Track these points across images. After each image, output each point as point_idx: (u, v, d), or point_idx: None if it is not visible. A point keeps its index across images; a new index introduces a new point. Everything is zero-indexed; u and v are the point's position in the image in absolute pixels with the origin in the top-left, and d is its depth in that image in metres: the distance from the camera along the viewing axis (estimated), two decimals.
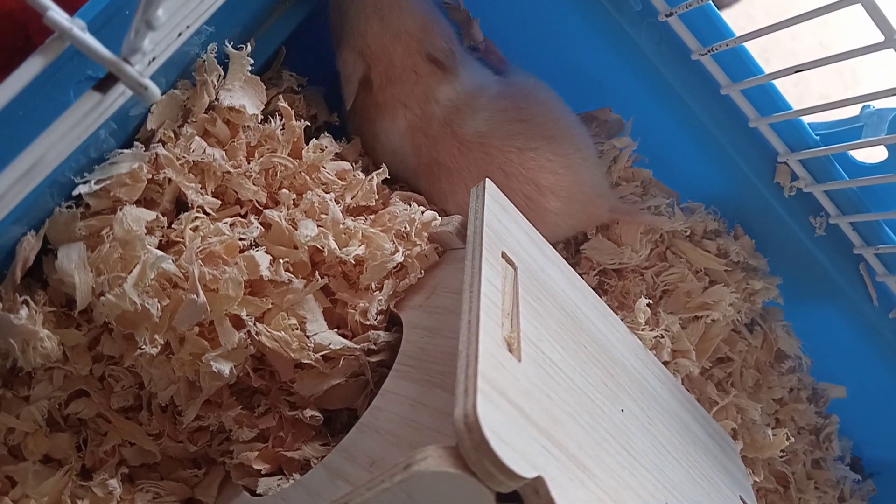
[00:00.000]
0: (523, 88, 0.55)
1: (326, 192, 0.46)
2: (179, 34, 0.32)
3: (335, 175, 0.47)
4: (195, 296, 0.37)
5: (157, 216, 0.40)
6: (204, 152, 0.42)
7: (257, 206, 0.44)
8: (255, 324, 0.40)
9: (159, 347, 0.38)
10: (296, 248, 0.43)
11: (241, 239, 0.41)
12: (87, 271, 0.37)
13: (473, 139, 0.52)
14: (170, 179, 0.41)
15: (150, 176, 0.40)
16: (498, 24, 0.54)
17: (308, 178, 0.46)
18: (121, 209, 0.38)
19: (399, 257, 0.44)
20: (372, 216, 0.47)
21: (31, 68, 0.27)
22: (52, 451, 0.41)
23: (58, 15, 0.26)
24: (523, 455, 0.26)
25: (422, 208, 0.47)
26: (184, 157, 0.41)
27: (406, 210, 0.46)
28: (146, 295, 0.37)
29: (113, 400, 0.42)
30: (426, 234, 0.46)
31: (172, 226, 0.41)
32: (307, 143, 0.47)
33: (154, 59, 0.32)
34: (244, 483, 0.42)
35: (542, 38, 0.56)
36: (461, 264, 0.37)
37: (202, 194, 0.42)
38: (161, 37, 0.29)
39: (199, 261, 0.39)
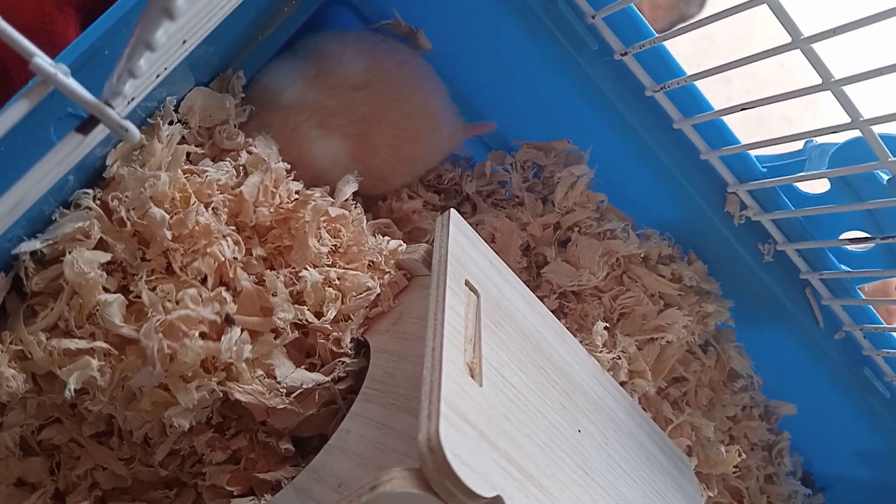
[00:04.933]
0: None
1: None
2: (157, 76, 0.34)
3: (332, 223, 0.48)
4: (151, 368, 0.38)
5: (110, 258, 0.40)
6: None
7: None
8: (218, 385, 0.40)
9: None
10: (268, 315, 0.43)
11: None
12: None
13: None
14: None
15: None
16: (459, 57, 0.56)
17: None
18: (70, 252, 0.38)
19: (377, 289, 0.45)
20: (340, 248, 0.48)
21: (16, 111, 0.28)
22: (26, 474, 0.41)
23: (43, 61, 0.28)
24: (483, 476, 0.28)
25: (387, 238, 0.49)
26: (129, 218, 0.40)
27: (375, 241, 0.48)
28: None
29: (85, 427, 0.42)
30: (393, 262, 0.48)
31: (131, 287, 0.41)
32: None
33: (133, 99, 0.33)
34: None
35: (502, 71, 0.58)
36: (426, 291, 0.39)
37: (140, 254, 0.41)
38: (140, 81, 0.31)
39: (161, 333, 0.38)
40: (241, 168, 0.46)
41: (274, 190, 0.46)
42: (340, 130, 0.53)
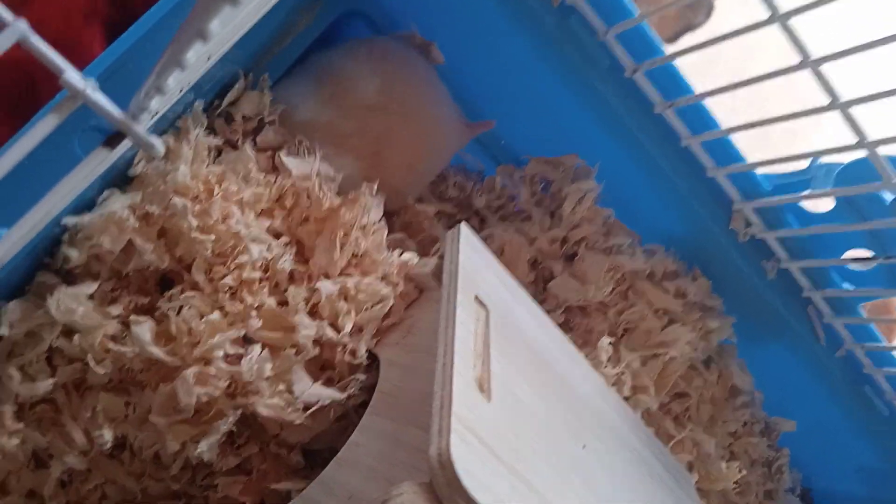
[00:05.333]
0: None
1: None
2: (181, 90, 0.34)
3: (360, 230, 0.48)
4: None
5: (97, 286, 0.39)
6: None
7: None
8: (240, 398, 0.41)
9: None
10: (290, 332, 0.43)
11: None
12: None
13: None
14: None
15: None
16: (470, 71, 0.57)
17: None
18: (51, 295, 0.37)
19: (391, 300, 0.46)
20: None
21: (46, 125, 0.29)
22: (37, 486, 0.41)
23: (73, 77, 0.29)
24: (491, 490, 0.29)
25: (398, 250, 0.49)
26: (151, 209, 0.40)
27: (387, 254, 0.48)
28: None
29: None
30: (404, 274, 0.48)
31: (158, 304, 0.41)
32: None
33: (157, 113, 0.34)
34: None
35: (513, 86, 0.59)
36: (436, 305, 0.39)
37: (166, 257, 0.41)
38: (167, 97, 0.31)
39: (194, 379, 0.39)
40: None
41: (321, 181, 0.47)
42: (354, 152, 0.53)
